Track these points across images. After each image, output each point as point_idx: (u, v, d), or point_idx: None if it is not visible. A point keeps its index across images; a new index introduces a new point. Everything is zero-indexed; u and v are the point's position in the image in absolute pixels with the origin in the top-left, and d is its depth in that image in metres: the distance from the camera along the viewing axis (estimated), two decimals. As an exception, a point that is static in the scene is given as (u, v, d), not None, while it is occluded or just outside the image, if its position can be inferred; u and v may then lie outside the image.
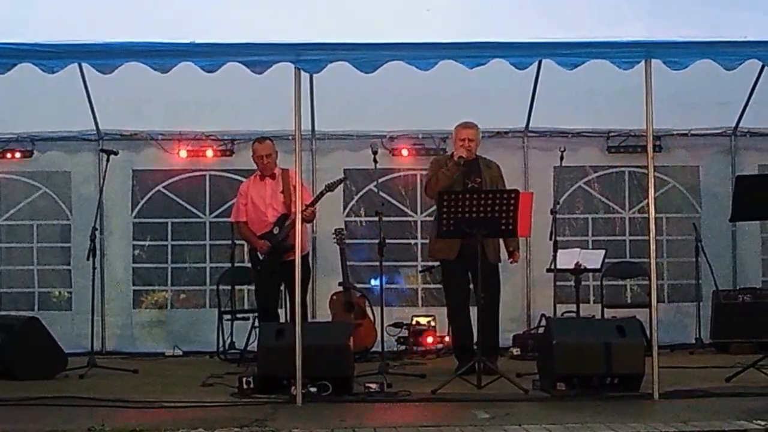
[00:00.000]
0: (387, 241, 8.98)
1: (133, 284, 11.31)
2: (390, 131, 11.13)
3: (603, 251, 10.49)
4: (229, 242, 10.49)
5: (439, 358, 10.19)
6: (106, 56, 7.10)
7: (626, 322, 7.79)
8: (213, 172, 11.29)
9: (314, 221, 9.86)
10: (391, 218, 10.89)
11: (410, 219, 11.32)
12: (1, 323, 9.19)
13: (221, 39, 7.11)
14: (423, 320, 10.66)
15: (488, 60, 7.20)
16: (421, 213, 11.19)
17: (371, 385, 7.56)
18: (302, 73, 7.25)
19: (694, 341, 10.61)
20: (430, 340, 10.54)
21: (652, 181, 7.41)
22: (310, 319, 9.91)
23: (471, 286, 8.66)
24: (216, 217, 11.21)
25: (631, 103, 7.85)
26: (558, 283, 10.11)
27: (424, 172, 9.95)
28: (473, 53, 7.17)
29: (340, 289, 10.42)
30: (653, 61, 7.17)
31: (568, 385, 7.35)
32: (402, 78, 7.80)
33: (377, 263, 9.06)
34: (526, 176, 11.14)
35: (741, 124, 11.16)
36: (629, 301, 11.32)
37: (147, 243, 11.41)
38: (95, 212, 9.73)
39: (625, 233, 11.40)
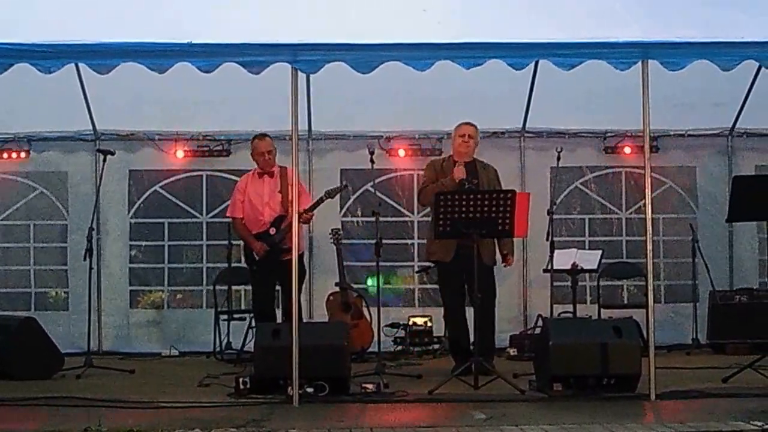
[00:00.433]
0: (384, 241, 9.00)
1: (130, 284, 11.31)
2: (387, 131, 11.14)
3: (600, 252, 10.50)
4: (226, 242, 10.49)
5: (436, 359, 10.19)
6: (103, 56, 7.09)
7: (623, 323, 7.78)
8: (210, 173, 11.30)
9: (311, 221, 9.84)
10: (388, 218, 10.91)
11: (407, 219, 11.33)
12: (-3, 323, 9.19)
13: (218, 39, 7.10)
14: (420, 320, 10.66)
15: (485, 60, 7.20)
16: (418, 213, 11.19)
17: (368, 386, 7.55)
18: (299, 73, 7.24)
19: (690, 342, 10.62)
20: (426, 340, 10.54)
21: (648, 181, 7.41)
22: (306, 320, 9.92)
23: (467, 287, 8.66)
24: (213, 217, 11.22)
25: (628, 103, 7.85)
26: (555, 284, 10.10)
27: (420, 173, 9.96)
28: (470, 54, 7.17)
29: (337, 289, 10.42)
30: (650, 61, 7.17)
31: (564, 386, 7.34)
32: (399, 78, 7.79)
33: (374, 263, 9.06)
34: (523, 177, 11.15)
35: (738, 125, 11.18)
36: (626, 301, 11.33)
37: (144, 243, 11.42)
38: (92, 212, 9.73)
39: (621, 234, 11.41)
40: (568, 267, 10.15)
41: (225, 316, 10.39)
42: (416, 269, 11.24)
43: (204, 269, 11.30)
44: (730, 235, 11.28)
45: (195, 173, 11.31)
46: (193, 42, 7.02)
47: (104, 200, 10.75)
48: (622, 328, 7.57)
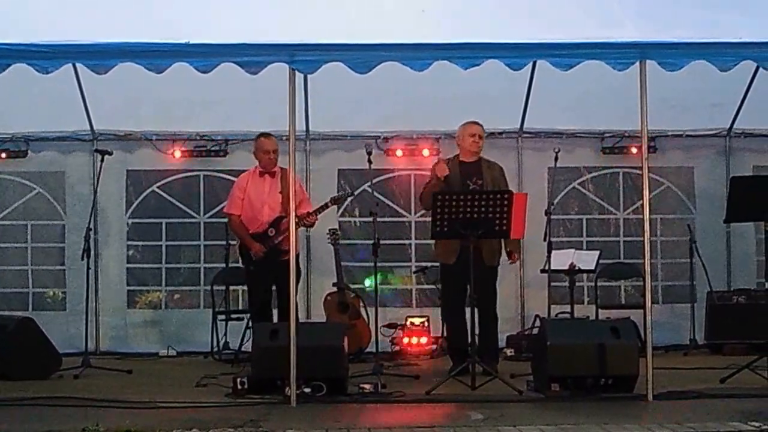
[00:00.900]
0: (381, 241, 8.99)
1: (128, 284, 11.29)
2: (384, 132, 11.13)
3: (597, 252, 10.48)
4: (224, 242, 10.48)
5: (433, 359, 10.19)
6: (100, 56, 7.09)
7: (620, 323, 7.80)
8: (207, 173, 11.28)
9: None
10: (386, 219, 10.90)
11: (404, 219, 11.32)
12: (-5, 323, 9.18)
13: (216, 39, 7.10)
14: (417, 321, 10.65)
15: (483, 61, 7.20)
16: (415, 214, 11.18)
17: (365, 386, 7.55)
18: (297, 73, 7.24)
19: (688, 342, 10.62)
20: (424, 340, 10.54)
21: (646, 182, 7.41)
22: (303, 320, 9.91)
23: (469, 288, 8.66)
24: (210, 217, 11.20)
25: (626, 103, 7.85)
26: (552, 284, 10.11)
27: (418, 173, 9.96)
28: (468, 54, 7.17)
29: (335, 289, 10.42)
30: (648, 62, 7.17)
31: (562, 386, 7.35)
32: (396, 79, 7.79)
33: (371, 264, 9.06)
34: (521, 177, 11.13)
35: (735, 125, 11.18)
36: (623, 302, 11.33)
37: (141, 243, 11.41)
38: (89, 212, 9.73)
39: (619, 234, 11.41)
40: (566, 267, 10.13)
41: (223, 317, 10.37)
42: (414, 269, 11.24)
43: (201, 269, 11.29)
44: (728, 236, 11.27)
45: (192, 173, 11.29)
46: (191, 42, 7.02)
47: (102, 200, 10.72)
48: (620, 328, 7.58)
